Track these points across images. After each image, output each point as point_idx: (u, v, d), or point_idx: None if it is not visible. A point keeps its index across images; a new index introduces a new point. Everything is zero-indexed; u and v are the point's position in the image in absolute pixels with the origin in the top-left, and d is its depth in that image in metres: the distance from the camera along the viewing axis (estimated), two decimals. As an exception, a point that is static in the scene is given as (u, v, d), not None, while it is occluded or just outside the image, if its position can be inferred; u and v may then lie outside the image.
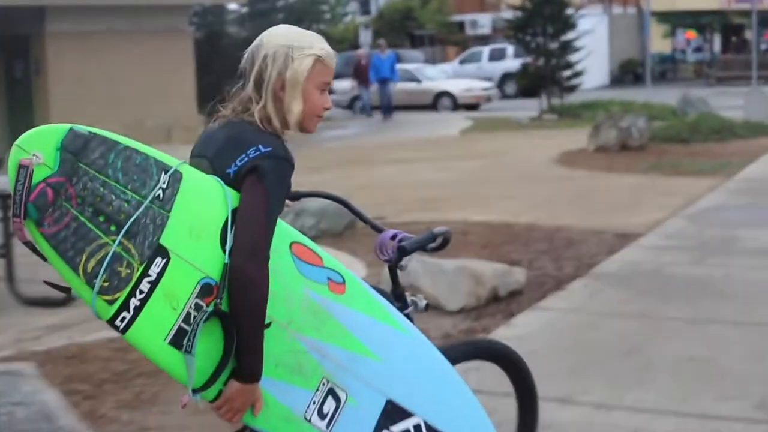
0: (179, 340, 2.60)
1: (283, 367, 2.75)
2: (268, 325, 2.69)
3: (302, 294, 2.81)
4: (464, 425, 3.05)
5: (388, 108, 28.70)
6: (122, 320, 2.57)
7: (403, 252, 3.32)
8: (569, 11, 25.70)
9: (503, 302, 7.23)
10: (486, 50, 40.95)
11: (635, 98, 28.03)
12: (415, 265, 7.08)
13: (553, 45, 25.49)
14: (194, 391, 2.62)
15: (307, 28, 2.92)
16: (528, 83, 26.48)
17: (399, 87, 33.09)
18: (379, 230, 3.47)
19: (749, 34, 41.66)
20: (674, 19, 47.23)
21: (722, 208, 10.94)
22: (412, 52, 45.29)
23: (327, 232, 10.31)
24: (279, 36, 2.82)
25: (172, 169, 2.67)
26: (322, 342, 2.82)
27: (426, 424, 2.97)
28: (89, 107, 19.51)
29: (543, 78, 25.54)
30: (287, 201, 3.11)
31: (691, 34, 48.47)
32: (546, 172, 14.81)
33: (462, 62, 41.46)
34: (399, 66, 34.70)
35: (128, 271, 2.57)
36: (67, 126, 2.62)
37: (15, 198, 2.51)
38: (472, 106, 32.24)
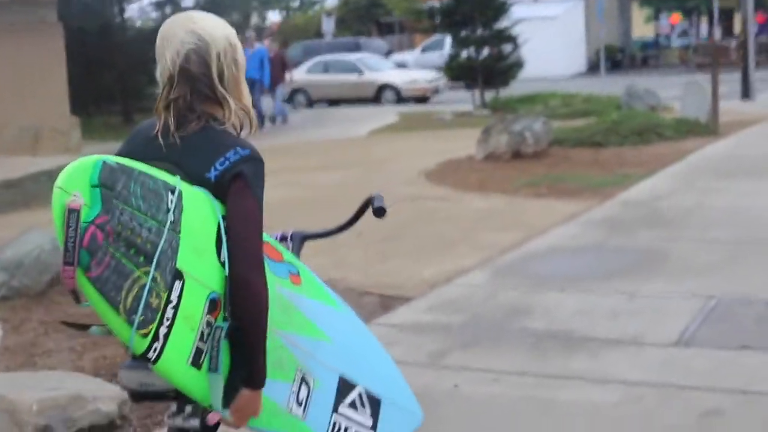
0: (197, 360, 2.54)
1: (269, 365, 2.68)
2: None
3: (274, 292, 2.73)
4: (391, 388, 3.17)
5: (260, 116, 21.88)
6: (154, 351, 2.47)
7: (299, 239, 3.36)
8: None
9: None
10: (449, 37, 38.08)
11: (606, 88, 25.15)
12: None
13: (485, 33, 22.65)
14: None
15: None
16: (457, 76, 23.67)
17: (340, 79, 30.48)
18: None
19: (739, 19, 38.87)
20: (658, 3, 44.31)
21: (554, 252, 8.23)
22: (374, 40, 42.61)
23: (24, 292, 7.69)
24: (215, 28, 2.71)
25: (177, 189, 2.55)
26: (292, 334, 2.84)
27: (366, 391, 3.04)
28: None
29: (473, 70, 22.75)
30: None
31: (677, 17, 45.40)
32: (401, 191, 12.08)
33: (424, 50, 38.74)
34: (344, 56, 32.06)
35: (157, 300, 2.47)
36: (98, 158, 2.49)
37: (67, 245, 2.37)
38: (421, 99, 29.54)
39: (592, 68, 40.15)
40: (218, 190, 2.62)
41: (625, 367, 5.37)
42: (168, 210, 2.51)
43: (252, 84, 21.64)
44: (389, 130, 20.77)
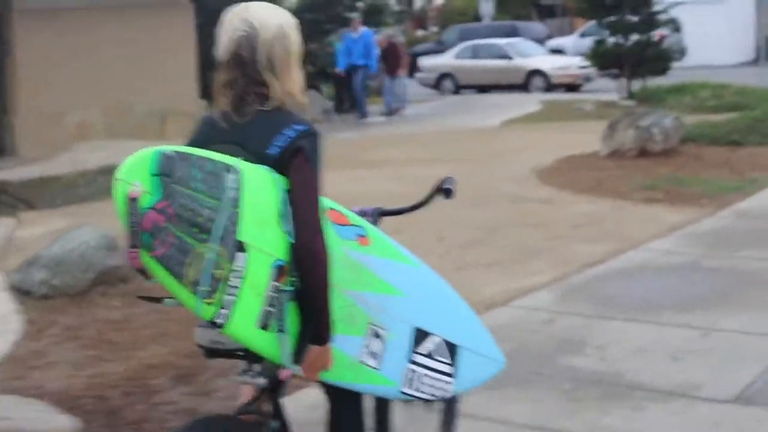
0: (267, 322, 2.75)
1: (340, 321, 2.93)
2: None
3: (342, 253, 3.00)
4: (469, 336, 3.35)
5: (360, 104, 21.45)
6: (222, 317, 2.70)
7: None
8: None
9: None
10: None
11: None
12: None
13: (634, 19, 21.38)
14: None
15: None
16: (602, 64, 22.45)
17: (488, 65, 29.57)
18: None
19: None
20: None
21: (639, 271, 7.34)
22: (533, 24, 41.39)
23: (64, 290, 7.32)
24: (267, 17, 2.93)
25: (236, 168, 2.76)
26: (362, 292, 3.05)
27: (443, 340, 3.24)
28: (65, 92, 17.03)
29: (620, 57, 21.55)
30: None
31: None
32: (506, 189, 11.32)
33: (583, 35, 37.30)
34: (493, 41, 31.13)
35: (221, 271, 2.69)
36: (157, 150, 2.74)
37: (130, 230, 2.65)
38: (572, 86, 28.37)
39: (761, 57, 38.01)
40: (280, 164, 2.81)
41: (666, 427, 4.53)
42: (227, 188, 2.71)
43: (356, 70, 20.76)
44: (524, 120, 19.86)
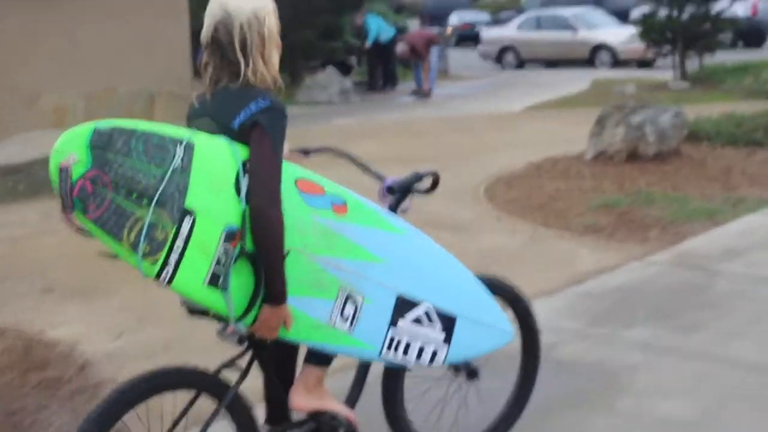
0: (215, 281, 2.89)
1: (306, 285, 3.07)
2: (287, 253, 2.97)
3: (311, 221, 3.10)
4: (470, 306, 3.41)
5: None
6: (166, 274, 2.86)
7: (390, 191, 3.62)
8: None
9: None
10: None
11: None
12: None
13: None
14: (237, 321, 2.98)
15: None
16: (652, 39, 19.88)
17: (552, 38, 27.11)
18: (381, 178, 3.69)
19: None
20: None
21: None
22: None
23: None
24: (242, 3, 3.08)
25: (185, 141, 2.93)
26: (334, 257, 3.12)
27: (435, 308, 3.32)
28: (40, 69, 15.58)
29: (673, 32, 18.99)
30: (300, 156, 3.69)
31: None
32: (431, 209, 9.14)
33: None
34: (558, 11, 28.58)
35: (163, 234, 2.84)
36: (93, 125, 2.88)
37: (61, 195, 2.82)
38: (642, 62, 25.69)
39: None
40: (242, 136, 3.01)
41: None
42: (174, 158, 2.88)
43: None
44: (553, 105, 17.58)
